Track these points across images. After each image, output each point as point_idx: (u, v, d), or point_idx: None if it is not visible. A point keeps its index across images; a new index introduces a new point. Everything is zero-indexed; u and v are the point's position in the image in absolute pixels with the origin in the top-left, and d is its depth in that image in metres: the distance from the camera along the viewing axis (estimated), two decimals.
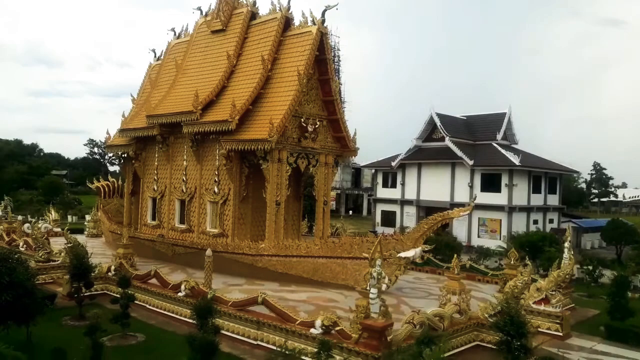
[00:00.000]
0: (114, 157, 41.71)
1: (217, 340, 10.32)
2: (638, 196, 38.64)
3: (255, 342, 13.45)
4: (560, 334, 15.15)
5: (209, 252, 16.27)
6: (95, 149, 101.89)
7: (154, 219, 24.59)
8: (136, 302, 15.61)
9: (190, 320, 12.70)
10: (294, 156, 20.36)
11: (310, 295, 16.76)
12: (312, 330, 12.34)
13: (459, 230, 39.95)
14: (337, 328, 12.03)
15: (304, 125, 20.17)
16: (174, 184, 23.37)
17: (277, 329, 13.12)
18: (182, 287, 15.97)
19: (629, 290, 18.35)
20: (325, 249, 18.29)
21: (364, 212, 70.88)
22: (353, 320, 11.81)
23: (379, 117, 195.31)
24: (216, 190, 21.20)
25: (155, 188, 24.41)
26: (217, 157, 21.03)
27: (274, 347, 12.61)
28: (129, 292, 14.68)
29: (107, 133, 27.55)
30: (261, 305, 13.89)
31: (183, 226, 22.68)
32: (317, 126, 20.64)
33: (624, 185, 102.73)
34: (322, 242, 19.07)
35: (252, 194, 21.14)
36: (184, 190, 22.71)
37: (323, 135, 21.49)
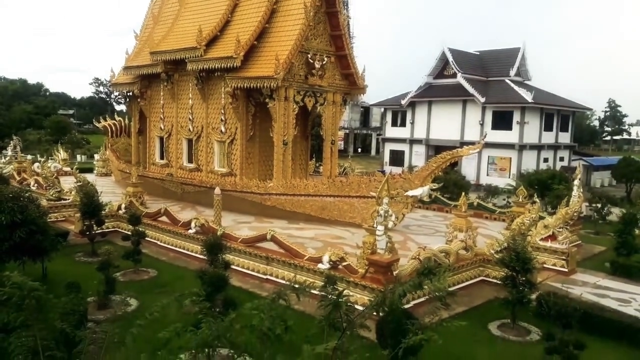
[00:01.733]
0: (119, 96, 41.35)
1: (227, 274, 10.58)
2: None
3: (264, 277, 13.79)
4: (566, 270, 15.34)
5: (217, 190, 16.38)
6: (101, 88, 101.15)
7: (162, 158, 24.65)
8: (147, 239, 15.93)
9: (201, 256, 12.99)
10: (301, 94, 19.99)
11: (317, 233, 16.98)
12: (319, 265, 12.59)
13: (468, 169, 39.84)
14: (344, 263, 12.25)
15: (311, 61, 19.65)
16: (180, 123, 23.22)
17: (285, 264, 13.41)
18: (193, 224, 16.21)
19: (636, 227, 18.37)
20: (333, 188, 18.36)
21: (373, 152, 70.69)
22: (360, 256, 12.00)
23: (389, 54, 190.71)
24: (223, 129, 21.05)
25: (162, 127, 24.30)
26: (223, 95, 20.72)
27: (283, 281, 12.94)
28: (140, 229, 14.94)
29: (112, 71, 27.18)
30: (270, 241, 14.13)
31: (191, 165, 22.74)
32: (324, 62, 20.10)
33: (638, 123, 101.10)
34: (329, 181, 19.09)
35: (259, 133, 20.98)
36: (191, 129, 22.59)
37: (331, 72, 20.98)
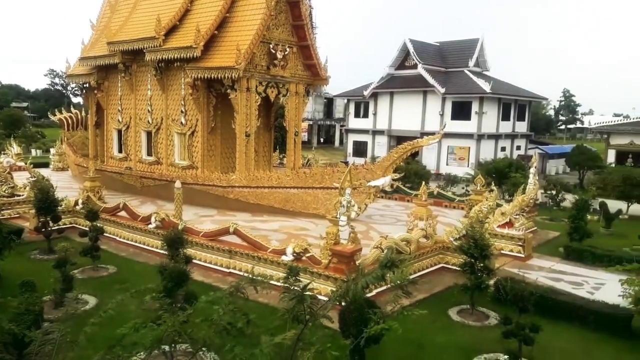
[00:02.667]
0: (76, 88, 40.02)
1: (188, 269, 10.45)
2: (603, 122, 39.59)
3: (227, 271, 13.70)
4: (522, 256, 15.85)
5: (178, 184, 16.14)
6: (57, 80, 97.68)
7: (120, 151, 24.06)
8: (106, 234, 15.55)
9: (162, 251, 12.78)
10: (263, 85, 19.84)
11: (282, 225, 16.96)
12: (283, 257, 12.61)
13: (429, 159, 40.52)
14: (308, 254, 12.30)
15: (273, 51, 19.51)
16: (139, 115, 22.69)
17: (249, 257, 13.36)
18: (153, 219, 15.92)
19: (588, 213, 19.15)
20: (297, 179, 18.35)
21: (337, 143, 70.93)
22: (323, 246, 12.07)
23: (353, 44, 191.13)
24: (183, 121, 20.69)
25: (120, 119, 23.69)
26: (183, 86, 20.35)
27: (247, 275, 12.89)
28: (98, 225, 14.56)
29: (67, 62, 26.27)
30: (233, 235, 14.03)
31: (151, 158, 22.29)
32: (286, 53, 19.99)
33: (591, 112, 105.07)
34: (293, 172, 19.07)
35: (221, 124, 20.73)
36: (150, 121, 22.10)
37: (293, 62, 20.89)
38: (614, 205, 22.44)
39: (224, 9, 19.42)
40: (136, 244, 16.26)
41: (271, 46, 19.51)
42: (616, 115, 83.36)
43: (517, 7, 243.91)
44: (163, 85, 21.15)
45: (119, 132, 23.98)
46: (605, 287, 13.14)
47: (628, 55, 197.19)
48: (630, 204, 24.32)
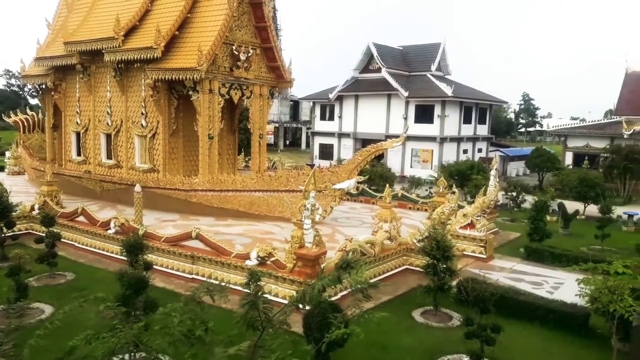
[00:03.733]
0: (33, 89, 38.69)
1: (148, 275, 10.17)
2: (561, 126, 41.06)
3: (190, 276, 13.42)
4: (484, 256, 16.14)
5: (137, 187, 15.75)
6: (13, 81, 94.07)
7: (79, 154, 23.32)
8: (64, 240, 15.05)
9: (122, 257, 12.42)
10: (226, 87, 19.59)
11: (246, 229, 16.75)
12: (247, 262, 12.43)
13: (393, 161, 40.92)
14: (273, 258, 12.17)
15: (236, 53, 19.29)
16: (98, 117, 22.05)
17: (212, 263, 13.13)
18: (112, 224, 15.50)
19: (547, 213, 19.66)
20: (262, 182, 18.18)
21: (303, 146, 70.88)
22: (288, 250, 11.97)
23: (318, 48, 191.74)
24: (144, 123, 20.21)
25: (79, 121, 22.96)
26: (143, 88, 19.87)
27: (210, 280, 12.67)
28: (55, 230, 14.04)
29: (22, 62, 25.31)
30: (196, 239, 13.76)
31: (111, 162, 21.67)
32: (250, 55, 19.80)
33: (549, 116, 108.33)
34: (258, 176, 18.89)
35: (183, 127, 20.33)
36: (109, 123, 21.51)
37: (257, 64, 20.72)
38: (571, 206, 23.16)
39: (185, 9, 19.10)
40: (95, 250, 15.79)
41: (234, 47, 19.30)
42: (573, 118, 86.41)
43: (478, 12, 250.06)
44: (123, 86, 20.62)
45: (78, 134, 23.25)
46: (564, 287, 13.49)
47: (585, 62, 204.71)
48: (586, 204, 25.13)
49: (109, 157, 21.87)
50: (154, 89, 19.10)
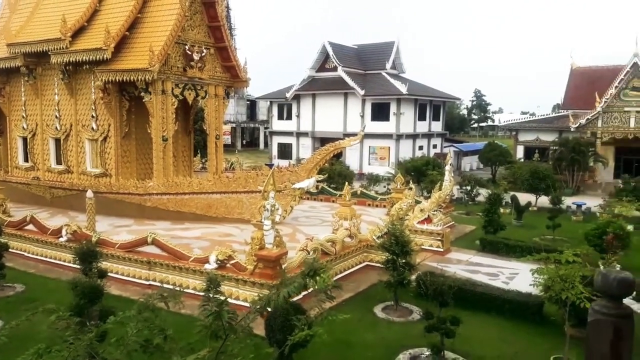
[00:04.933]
0: None
1: (103, 283, 9.86)
2: (512, 120, 42.63)
3: (147, 283, 13.08)
4: (441, 250, 16.47)
5: (89, 193, 15.22)
6: None
7: (26, 160, 22.36)
8: (12, 251, 14.41)
9: (75, 266, 11.99)
10: (180, 87, 19.22)
11: (204, 232, 16.48)
12: (206, 265, 12.21)
13: (352, 159, 41.23)
14: (232, 261, 12.01)
15: (189, 53, 18.95)
16: (46, 121, 21.20)
17: (170, 268, 12.83)
18: (64, 231, 14.94)
19: (500, 206, 20.25)
20: (219, 184, 17.94)
21: (261, 145, 70.43)
22: (248, 252, 11.83)
23: (275, 47, 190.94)
24: (94, 126, 19.56)
25: (25, 126, 22.01)
26: (93, 90, 19.25)
27: (168, 286, 12.39)
28: (2, 240, 13.38)
29: None
30: (152, 245, 13.42)
31: (60, 167, 20.89)
32: (203, 54, 19.49)
33: (500, 111, 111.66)
34: (215, 177, 18.65)
35: (135, 129, 19.82)
36: (58, 127, 20.71)
37: (211, 64, 20.43)
38: (523, 198, 23.93)
39: (135, 9, 18.61)
40: (46, 260, 15.18)
41: (187, 47, 18.96)
42: (523, 113, 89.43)
43: (430, 11, 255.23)
44: (71, 89, 19.90)
45: (24, 139, 22.28)
46: (519, 277, 13.92)
47: (533, 58, 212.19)
48: (538, 196, 26.06)
49: (58, 162, 21.07)
50: (104, 91, 18.55)
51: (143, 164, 20.29)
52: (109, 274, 11.93)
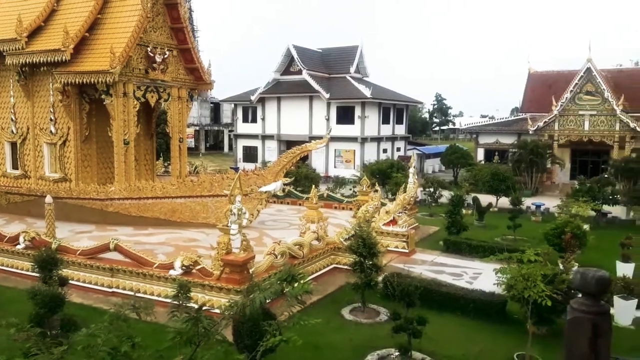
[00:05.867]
0: None
1: (64, 291, 9.57)
2: (472, 124, 43.79)
3: (110, 290, 12.76)
4: (407, 251, 16.71)
5: (48, 199, 14.73)
6: None
7: None
8: None
9: (33, 274, 11.57)
10: (142, 90, 18.84)
11: (169, 237, 16.20)
12: (171, 271, 12.01)
13: (318, 162, 41.36)
14: (198, 267, 11.84)
15: (151, 55, 18.61)
16: (1, 125, 20.40)
17: (133, 274, 12.54)
18: (21, 238, 14.41)
19: (463, 207, 20.69)
20: (184, 188, 17.65)
21: (226, 149, 69.71)
22: (214, 257, 11.70)
23: (240, 50, 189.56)
24: (53, 129, 18.96)
25: None
26: (52, 92, 18.64)
27: (132, 293, 12.12)
28: None
29: None
30: (114, 251, 13.09)
31: (17, 172, 20.12)
32: (166, 56, 19.19)
33: (461, 114, 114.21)
34: (179, 181, 18.32)
35: (96, 132, 19.31)
36: (14, 131, 19.96)
37: (174, 66, 20.12)
38: (485, 199, 24.54)
39: (95, 9, 18.16)
40: (4, 268, 14.59)
41: (149, 49, 18.61)
42: (483, 116, 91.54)
43: (390, 16, 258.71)
44: (28, 91, 19.23)
45: None
46: (482, 276, 14.25)
47: (492, 62, 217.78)
48: (498, 197, 26.76)
49: (14, 167, 20.31)
50: (63, 93, 18.02)
51: (104, 168, 19.79)
52: (70, 281, 11.60)
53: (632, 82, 37.04)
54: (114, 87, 17.50)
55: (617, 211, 24.41)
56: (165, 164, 27.57)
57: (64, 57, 17.16)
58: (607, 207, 23.77)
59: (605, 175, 29.64)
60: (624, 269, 13.80)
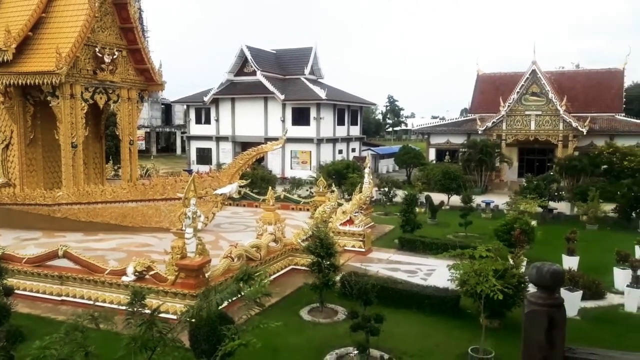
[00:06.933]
0: None
1: (9, 302, 9.12)
2: (423, 124, 45.02)
3: (59, 299, 12.27)
4: (363, 250, 16.90)
5: None
6: None
7: None
8: None
9: None
10: (90, 91, 18.25)
11: (120, 242, 15.75)
12: (124, 278, 11.68)
13: (274, 164, 41.21)
14: (152, 272, 11.57)
15: (100, 55, 18.06)
16: None
17: (84, 282, 12.12)
18: None
19: (416, 206, 21.12)
20: (135, 192, 17.21)
21: (178, 151, 68.38)
22: (169, 262, 11.48)
23: (192, 50, 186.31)
24: None
25: None
26: None
27: (82, 301, 11.75)
28: None
29: None
30: (63, 258, 12.60)
31: None
32: (115, 57, 18.66)
33: (413, 115, 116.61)
34: (130, 185, 17.86)
35: (42, 135, 18.58)
36: None
37: (124, 67, 19.59)
38: (437, 197, 25.13)
39: (39, 8, 17.46)
40: None
41: (97, 49, 18.05)
42: (434, 117, 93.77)
43: (345, 21, 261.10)
44: None
45: None
46: (436, 273, 14.59)
47: (441, 64, 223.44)
48: (450, 195, 27.46)
49: None
50: (5, 95, 17.28)
51: (51, 172, 19.04)
52: (17, 291, 11.06)
53: (573, 84, 38.92)
54: (61, 88, 16.87)
55: (562, 207, 25.55)
56: (115, 168, 26.76)
57: (5, 58, 16.43)
58: (553, 203, 24.82)
59: (551, 173, 30.93)
60: (570, 262, 14.45)
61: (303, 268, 14.19)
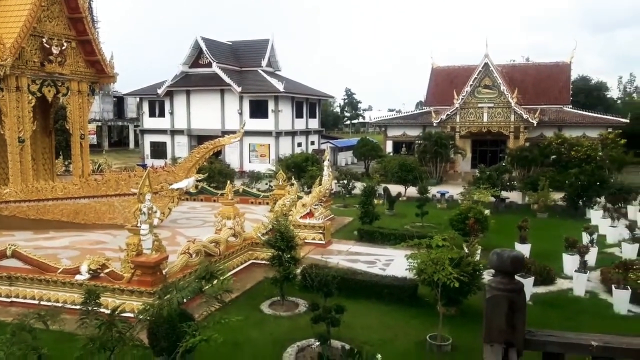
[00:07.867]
0: None
1: None
2: (380, 117, 45.70)
3: (8, 300, 11.77)
4: (323, 242, 17.00)
5: None
6: None
7: None
8: None
9: None
10: (38, 83, 17.51)
11: (73, 240, 15.25)
12: (77, 277, 11.31)
13: (232, 157, 40.73)
14: (107, 270, 11.26)
15: (47, 46, 17.33)
16: None
17: (35, 282, 11.66)
18: None
19: (374, 197, 21.37)
20: (87, 188, 16.68)
21: (131, 145, 66.55)
22: (124, 259, 11.20)
23: (144, 42, 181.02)
24: None
25: None
26: None
27: (34, 301, 11.30)
28: None
29: None
30: (12, 258, 12.08)
31: None
32: (64, 48, 17.95)
33: (370, 108, 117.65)
34: (82, 181, 17.28)
35: None
36: None
37: (73, 59, 18.88)
38: (394, 189, 25.50)
39: None
40: None
41: (44, 40, 17.31)
42: (390, 110, 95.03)
43: (304, 13, 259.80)
44: None
45: None
46: (394, 263, 14.83)
47: (396, 58, 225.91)
48: (406, 187, 27.93)
49: None
50: None
51: None
52: None
53: (524, 77, 40.22)
54: (5, 80, 16.11)
55: (514, 197, 26.43)
56: (66, 163, 25.84)
57: None
58: (505, 193, 25.65)
59: (503, 164, 31.93)
60: (522, 250, 14.98)
61: (263, 262, 14.15)
